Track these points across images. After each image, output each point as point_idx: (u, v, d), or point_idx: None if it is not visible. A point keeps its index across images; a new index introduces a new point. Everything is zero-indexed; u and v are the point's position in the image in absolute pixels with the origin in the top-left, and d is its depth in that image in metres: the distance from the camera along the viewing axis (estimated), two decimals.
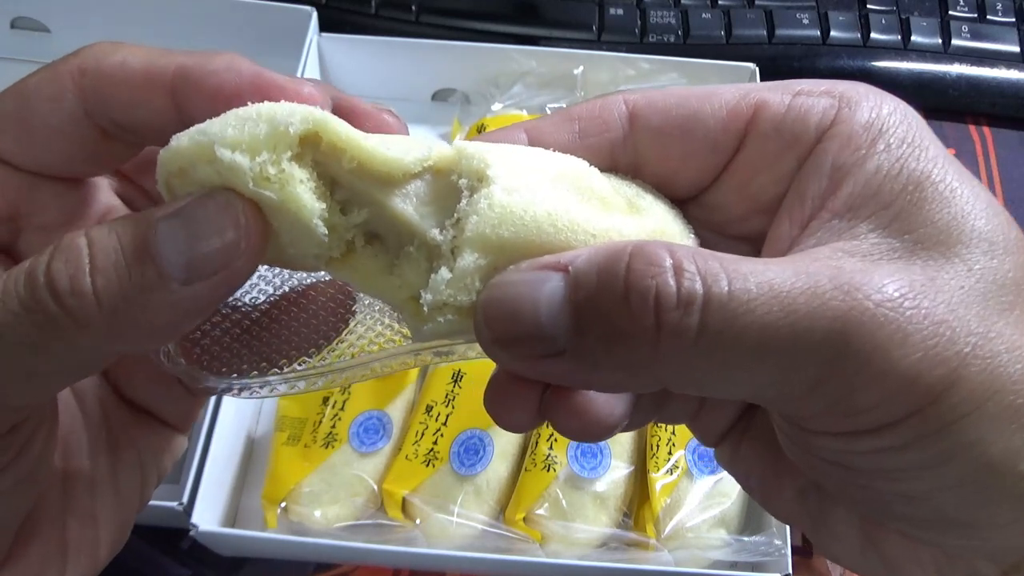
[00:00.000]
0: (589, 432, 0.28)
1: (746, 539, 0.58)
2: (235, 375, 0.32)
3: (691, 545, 0.57)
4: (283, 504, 0.59)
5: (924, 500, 0.26)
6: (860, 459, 0.26)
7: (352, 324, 0.35)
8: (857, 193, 0.27)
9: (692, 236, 0.31)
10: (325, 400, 0.62)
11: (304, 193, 0.26)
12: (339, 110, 0.29)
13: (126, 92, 0.29)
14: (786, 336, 0.23)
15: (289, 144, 0.26)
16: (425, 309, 0.27)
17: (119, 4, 0.77)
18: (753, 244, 0.31)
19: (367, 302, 0.35)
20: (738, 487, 0.60)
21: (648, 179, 0.32)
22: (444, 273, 0.26)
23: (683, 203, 0.32)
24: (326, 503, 0.59)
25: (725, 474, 0.60)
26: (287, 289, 0.35)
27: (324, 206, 0.27)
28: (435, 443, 0.60)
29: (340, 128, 0.27)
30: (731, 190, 0.31)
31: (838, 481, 0.28)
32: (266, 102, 0.27)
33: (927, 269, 0.25)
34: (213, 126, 0.26)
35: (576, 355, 0.25)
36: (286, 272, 0.36)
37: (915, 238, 0.25)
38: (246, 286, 0.34)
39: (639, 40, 0.82)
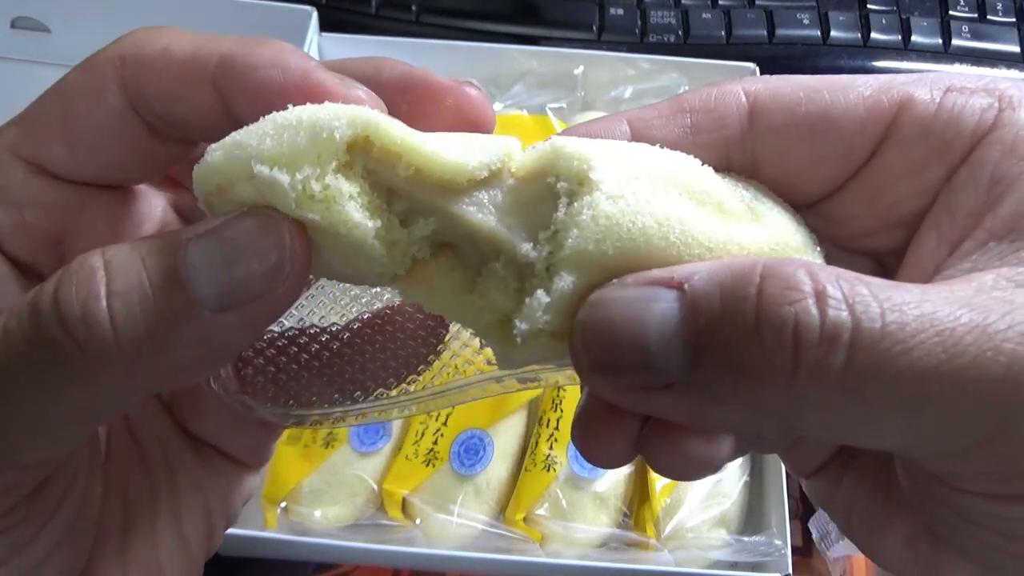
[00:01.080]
0: (690, 472, 0.25)
1: (746, 539, 0.58)
2: (302, 408, 0.29)
3: (691, 545, 0.57)
4: (283, 504, 0.59)
5: None
6: (1019, 526, 0.23)
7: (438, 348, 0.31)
8: (1022, 212, 0.23)
9: (818, 249, 0.27)
10: None
11: (354, 211, 0.23)
12: (411, 87, 0.26)
13: (166, 84, 0.25)
14: (950, 384, 0.19)
15: (335, 153, 0.23)
16: (519, 339, 0.24)
17: (119, 4, 0.77)
18: (878, 262, 0.28)
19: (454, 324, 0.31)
20: (738, 487, 0.60)
21: (765, 182, 0.28)
22: (541, 297, 0.23)
23: (799, 209, 0.28)
24: (326, 503, 0.59)
25: (725, 474, 0.60)
26: (362, 306, 0.31)
27: (379, 223, 0.24)
28: (435, 443, 0.60)
29: (394, 130, 0.23)
30: (860, 199, 0.27)
31: (979, 544, 0.24)
32: (309, 104, 0.24)
33: None
34: (250, 137, 0.23)
35: (690, 389, 0.21)
36: (358, 288, 0.31)
37: None
38: (317, 305, 0.31)
39: (639, 40, 0.82)
